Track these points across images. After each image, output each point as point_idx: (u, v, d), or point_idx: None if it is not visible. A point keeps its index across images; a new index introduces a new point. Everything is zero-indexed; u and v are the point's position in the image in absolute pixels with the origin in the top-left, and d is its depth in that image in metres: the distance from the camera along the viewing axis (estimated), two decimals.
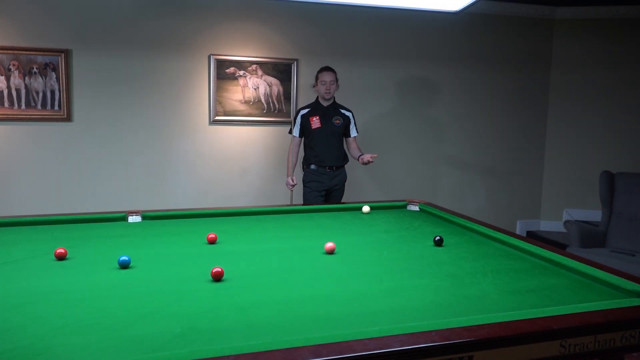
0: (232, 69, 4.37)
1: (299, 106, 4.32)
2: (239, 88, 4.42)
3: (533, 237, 5.18)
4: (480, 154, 5.21)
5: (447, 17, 4.73)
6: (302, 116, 3.76)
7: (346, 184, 3.92)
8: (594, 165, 5.15)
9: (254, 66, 4.42)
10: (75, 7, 4.01)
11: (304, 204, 3.67)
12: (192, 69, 4.32)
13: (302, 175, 3.87)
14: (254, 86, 4.45)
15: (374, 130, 4.82)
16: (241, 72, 4.40)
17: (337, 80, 3.73)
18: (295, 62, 4.51)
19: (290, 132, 3.87)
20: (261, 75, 4.45)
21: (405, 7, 2.89)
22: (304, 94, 4.55)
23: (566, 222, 4.12)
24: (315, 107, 3.78)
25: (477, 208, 5.14)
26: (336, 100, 3.86)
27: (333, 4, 4.28)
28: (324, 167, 3.76)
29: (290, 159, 3.83)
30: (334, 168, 3.78)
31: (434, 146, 5.06)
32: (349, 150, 3.90)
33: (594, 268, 1.83)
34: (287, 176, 3.81)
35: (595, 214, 5.15)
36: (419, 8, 2.84)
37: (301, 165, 3.90)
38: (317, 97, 3.83)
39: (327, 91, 3.68)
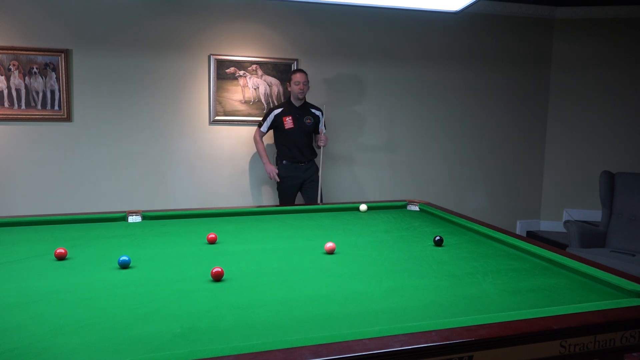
0: (232, 69, 4.37)
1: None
2: (239, 88, 4.41)
3: (533, 237, 5.18)
4: (480, 154, 5.20)
5: (447, 17, 4.73)
6: (276, 115, 4.10)
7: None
8: (594, 165, 5.15)
9: (254, 66, 4.42)
10: (75, 7, 4.01)
11: (279, 197, 4.23)
12: (192, 69, 4.31)
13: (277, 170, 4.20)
14: (254, 86, 4.44)
15: (374, 130, 4.82)
16: (241, 72, 4.40)
17: (308, 81, 4.09)
18: (295, 62, 4.50)
19: (260, 126, 4.17)
20: (261, 75, 4.45)
21: (405, 7, 2.89)
22: None
23: (566, 222, 4.12)
24: (287, 108, 4.12)
25: (477, 208, 5.14)
26: (308, 100, 4.17)
27: (333, 4, 4.28)
28: (297, 162, 4.16)
29: (262, 147, 4.18)
30: (306, 162, 4.19)
31: (433, 146, 5.06)
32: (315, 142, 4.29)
33: (594, 268, 1.83)
34: (268, 164, 4.15)
35: (595, 214, 5.15)
36: (419, 8, 2.84)
37: (275, 161, 4.26)
38: (290, 97, 4.16)
39: (301, 91, 4.04)
